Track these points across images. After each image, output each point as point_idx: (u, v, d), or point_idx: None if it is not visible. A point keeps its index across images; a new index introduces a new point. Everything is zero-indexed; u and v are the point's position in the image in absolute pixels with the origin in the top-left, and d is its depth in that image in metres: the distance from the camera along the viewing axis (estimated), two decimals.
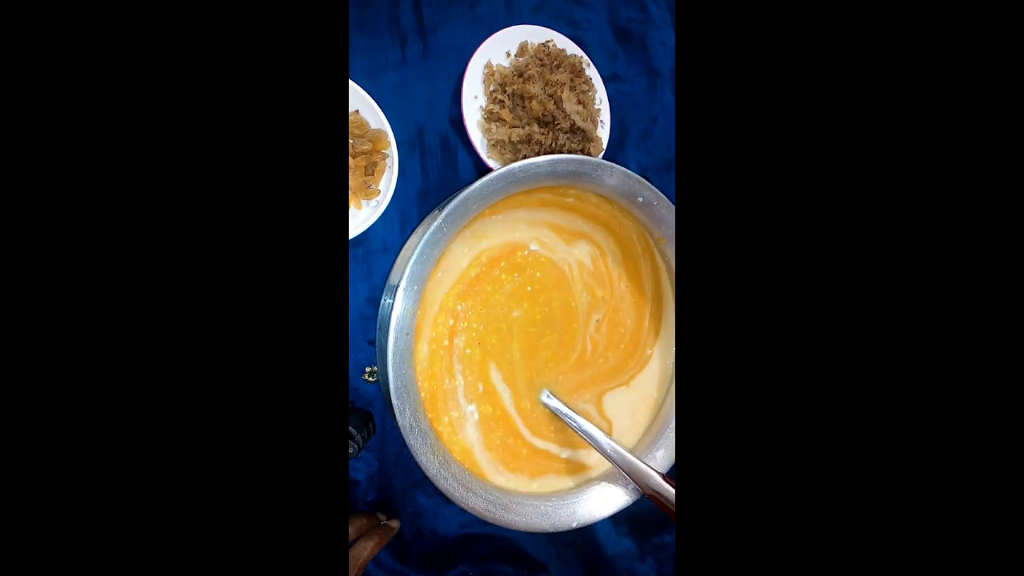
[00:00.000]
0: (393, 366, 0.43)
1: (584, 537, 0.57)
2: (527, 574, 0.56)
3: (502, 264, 0.50)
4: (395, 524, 0.49)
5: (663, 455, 0.53)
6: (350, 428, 0.47)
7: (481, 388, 0.50)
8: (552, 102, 0.52)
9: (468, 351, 0.49)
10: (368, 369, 0.52)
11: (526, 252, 0.51)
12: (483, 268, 0.50)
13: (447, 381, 0.49)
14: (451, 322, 0.49)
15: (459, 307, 0.49)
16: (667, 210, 0.51)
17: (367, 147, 0.49)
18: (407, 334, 0.44)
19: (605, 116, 0.57)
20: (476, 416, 0.49)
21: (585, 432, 0.48)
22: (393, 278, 0.50)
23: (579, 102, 0.54)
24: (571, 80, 0.54)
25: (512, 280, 0.51)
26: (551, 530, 0.49)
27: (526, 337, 0.51)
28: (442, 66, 0.54)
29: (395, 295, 0.43)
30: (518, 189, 0.47)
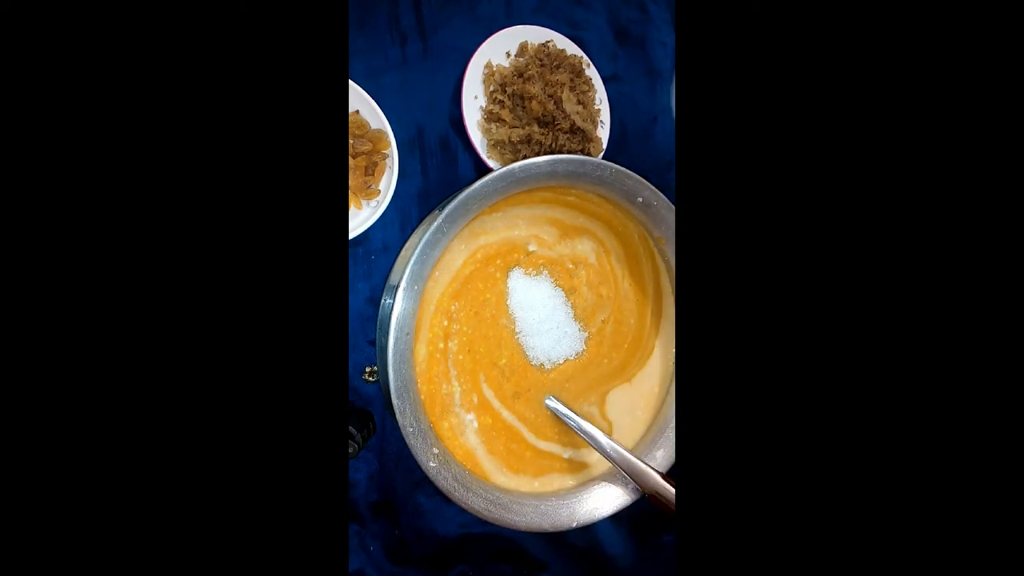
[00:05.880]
0: (393, 366, 0.43)
1: (584, 537, 0.57)
2: (527, 574, 0.56)
3: (497, 262, 0.50)
4: None
5: (663, 455, 0.53)
6: (350, 428, 0.47)
7: (476, 400, 0.50)
8: (552, 102, 0.52)
9: (460, 357, 0.49)
10: (368, 369, 0.52)
11: (523, 257, 0.51)
12: (478, 265, 0.50)
13: (444, 386, 0.49)
14: (445, 323, 0.49)
15: (452, 307, 0.49)
16: (667, 210, 0.51)
17: (367, 147, 0.49)
18: (407, 334, 0.44)
19: (605, 116, 0.57)
20: (476, 425, 0.49)
21: (586, 433, 0.48)
22: (393, 278, 0.50)
23: (579, 102, 0.54)
24: (571, 80, 0.54)
25: (502, 285, 0.51)
26: (551, 530, 0.49)
27: (516, 347, 0.51)
28: (442, 66, 0.54)
29: (395, 295, 0.43)
30: (518, 189, 0.47)
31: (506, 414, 0.50)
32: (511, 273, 0.51)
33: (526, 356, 0.51)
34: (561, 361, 0.52)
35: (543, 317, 0.51)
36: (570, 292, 0.53)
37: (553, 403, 0.50)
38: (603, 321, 0.54)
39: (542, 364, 0.52)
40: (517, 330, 0.51)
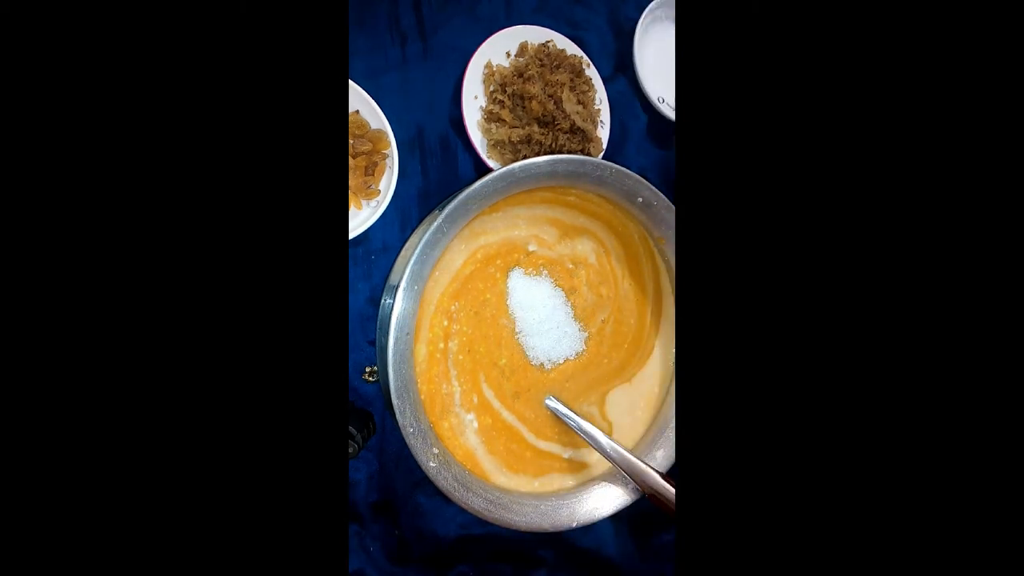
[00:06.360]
0: (393, 366, 0.43)
1: (584, 537, 0.57)
2: (527, 574, 0.56)
3: (497, 262, 0.50)
4: None
5: (663, 455, 0.53)
6: (350, 428, 0.47)
7: (476, 400, 0.49)
8: (552, 102, 0.52)
9: (460, 357, 0.49)
10: (368, 369, 0.52)
11: (523, 257, 0.51)
12: (478, 265, 0.50)
13: (444, 386, 0.49)
14: (445, 323, 0.49)
15: (452, 307, 0.49)
16: (667, 210, 0.51)
17: (367, 147, 0.49)
18: (407, 334, 0.44)
19: (605, 116, 0.57)
20: (476, 425, 0.49)
21: (586, 433, 0.48)
22: (393, 278, 0.50)
23: (579, 102, 0.54)
24: (571, 80, 0.54)
25: (502, 285, 0.51)
26: (551, 530, 0.49)
27: (516, 347, 0.51)
28: (442, 66, 0.54)
29: (395, 295, 0.43)
30: (518, 189, 0.47)
31: (506, 414, 0.50)
32: (511, 273, 0.51)
33: (526, 356, 0.51)
34: (561, 361, 0.52)
35: (543, 317, 0.51)
36: (570, 292, 0.53)
37: (553, 403, 0.50)
38: (603, 321, 0.54)
39: (542, 364, 0.52)
40: (517, 330, 0.51)
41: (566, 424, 0.49)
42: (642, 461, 0.47)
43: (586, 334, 0.53)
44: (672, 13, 0.59)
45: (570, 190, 0.51)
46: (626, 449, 0.47)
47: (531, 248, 0.51)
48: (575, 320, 0.53)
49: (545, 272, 0.52)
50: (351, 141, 0.49)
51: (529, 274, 0.51)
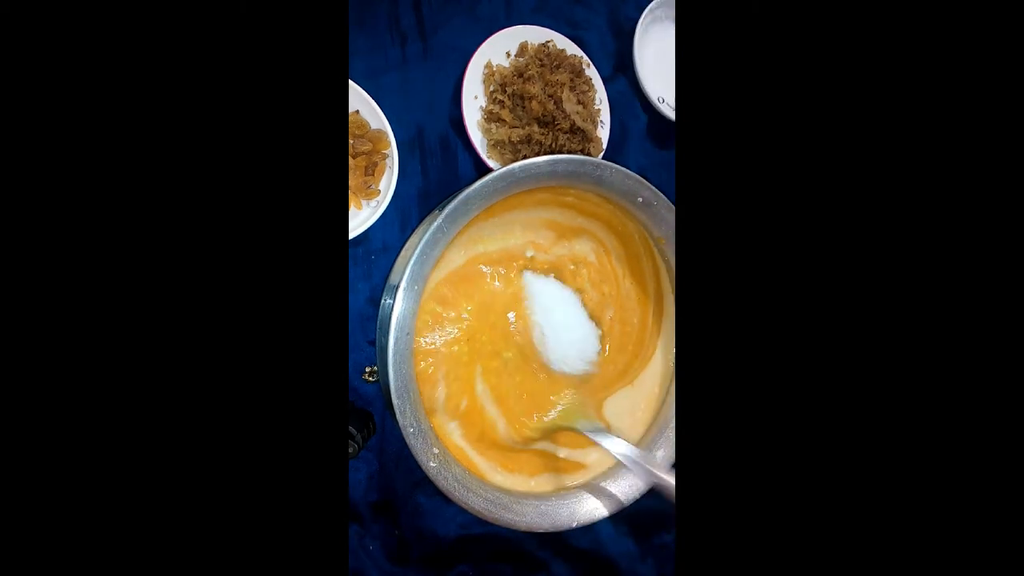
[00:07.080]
0: (393, 366, 0.43)
1: (584, 537, 0.57)
2: (527, 574, 0.56)
3: (500, 270, 0.50)
4: None
5: (663, 455, 0.53)
6: (350, 428, 0.47)
7: (465, 403, 0.49)
8: (552, 102, 0.52)
9: (455, 348, 0.49)
10: (368, 369, 0.52)
11: (527, 263, 0.51)
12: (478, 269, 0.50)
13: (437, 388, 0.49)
14: (439, 311, 0.49)
15: (447, 293, 0.49)
16: (667, 210, 0.51)
17: (367, 147, 0.49)
18: (407, 334, 0.44)
19: (605, 116, 0.57)
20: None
21: (621, 455, 0.46)
22: (393, 278, 0.50)
23: (579, 102, 0.54)
24: (571, 80, 0.54)
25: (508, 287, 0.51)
26: (551, 530, 0.49)
27: (516, 348, 0.51)
28: (442, 66, 0.54)
29: (395, 295, 0.43)
30: (518, 189, 0.47)
31: (492, 413, 0.50)
32: (523, 275, 0.51)
33: (526, 358, 0.51)
34: (576, 364, 0.52)
35: (557, 321, 0.51)
36: (579, 292, 0.52)
37: (587, 427, 0.48)
38: (611, 319, 0.53)
39: (546, 366, 0.51)
40: (519, 331, 0.51)
41: (551, 421, 0.48)
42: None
43: (600, 331, 0.53)
44: (672, 13, 0.59)
45: (569, 190, 0.51)
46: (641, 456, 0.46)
47: (528, 254, 0.51)
48: (589, 319, 0.52)
49: (552, 276, 0.52)
50: (351, 141, 0.49)
51: (538, 274, 0.51)
